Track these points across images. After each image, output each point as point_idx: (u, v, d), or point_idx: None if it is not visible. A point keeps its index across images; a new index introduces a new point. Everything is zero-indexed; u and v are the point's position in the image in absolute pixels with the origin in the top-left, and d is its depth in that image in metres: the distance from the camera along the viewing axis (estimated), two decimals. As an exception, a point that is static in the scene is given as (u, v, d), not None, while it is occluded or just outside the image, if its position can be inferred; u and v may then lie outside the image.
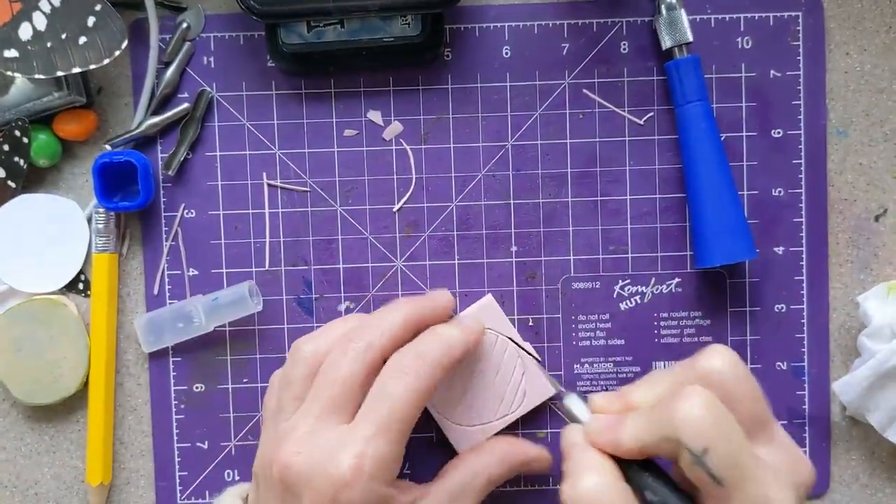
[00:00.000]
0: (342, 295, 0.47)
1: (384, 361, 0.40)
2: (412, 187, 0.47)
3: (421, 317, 0.42)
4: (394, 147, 0.47)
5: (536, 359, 0.45)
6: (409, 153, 0.47)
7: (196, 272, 0.47)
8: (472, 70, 0.47)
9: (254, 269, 0.47)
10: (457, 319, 0.44)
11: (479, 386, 0.45)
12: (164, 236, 0.47)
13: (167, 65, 0.47)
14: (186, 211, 0.47)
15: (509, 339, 0.45)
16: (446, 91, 0.47)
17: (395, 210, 0.47)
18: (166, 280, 0.47)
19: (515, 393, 0.45)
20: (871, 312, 0.45)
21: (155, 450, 0.48)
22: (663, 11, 0.45)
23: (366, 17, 0.44)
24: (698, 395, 0.33)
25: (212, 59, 0.47)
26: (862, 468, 0.48)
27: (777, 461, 0.35)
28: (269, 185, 0.47)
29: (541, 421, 0.47)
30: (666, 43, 0.45)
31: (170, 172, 0.46)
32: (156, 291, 0.47)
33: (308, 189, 0.47)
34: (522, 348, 0.45)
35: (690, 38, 0.45)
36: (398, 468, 0.38)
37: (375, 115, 0.47)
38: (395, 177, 0.47)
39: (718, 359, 0.35)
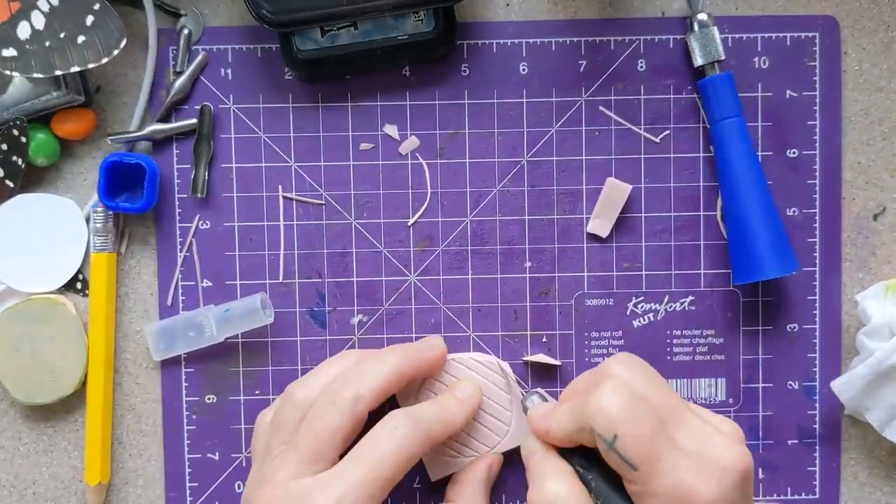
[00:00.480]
0: (355, 308, 0.47)
1: (370, 411, 0.40)
2: (427, 201, 0.47)
3: (414, 368, 0.43)
4: (409, 161, 0.47)
5: (502, 369, 0.46)
6: (425, 167, 0.47)
7: (210, 283, 0.47)
8: (488, 85, 0.47)
9: (268, 281, 0.47)
10: (458, 387, 0.44)
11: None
12: (179, 247, 0.47)
13: (180, 74, 0.46)
14: (201, 222, 0.47)
15: (475, 360, 0.46)
16: (463, 106, 0.47)
17: (409, 224, 0.47)
18: (180, 291, 0.47)
19: (504, 406, 0.45)
20: (870, 311, 0.45)
21: (166, 460, 0.47)
22: (696, 28, 0.45)
23: (379, 16, 0.44)
24: (610, 386, 0.36)
25: (229, 70, 0.47)
26: (860, 466, 0.48)
27: (699, 449, 0.36)
28: (284, 197, 0.47)
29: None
30: (698, 60, 0.45)
31: (198, 195, 0.46)
32: (169, 302, 0.47)
33: (323, 202, 0.47)
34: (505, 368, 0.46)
35: (723, 56, 0.45)
36: None
37: (392, 129, 0.47)
38: (410, 191, 0.47)
39: (619, 366, 0.38)
